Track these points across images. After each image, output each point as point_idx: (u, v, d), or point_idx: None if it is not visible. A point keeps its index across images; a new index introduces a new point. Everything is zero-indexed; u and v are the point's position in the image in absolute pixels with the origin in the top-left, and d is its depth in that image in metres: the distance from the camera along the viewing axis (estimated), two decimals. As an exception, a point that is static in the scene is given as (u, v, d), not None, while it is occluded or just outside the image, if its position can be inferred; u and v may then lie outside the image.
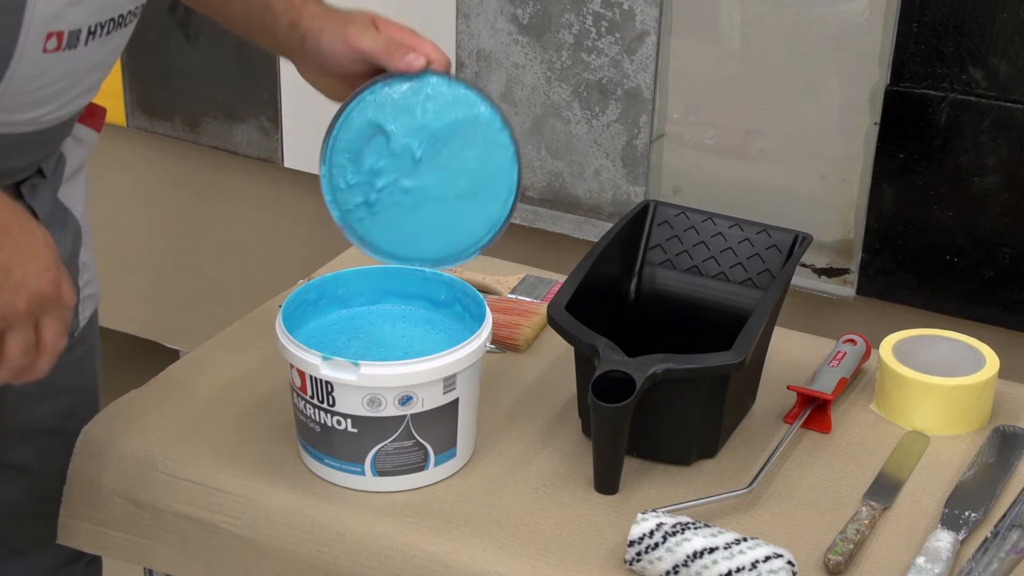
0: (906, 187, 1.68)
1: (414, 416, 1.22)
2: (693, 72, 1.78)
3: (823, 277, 1.78)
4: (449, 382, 1.22)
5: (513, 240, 1.95)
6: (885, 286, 1.74)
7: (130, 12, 1.22)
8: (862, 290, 1.75)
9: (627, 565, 1.16)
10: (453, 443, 1.26)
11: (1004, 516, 1.23)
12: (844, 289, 1.77)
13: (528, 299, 1.57)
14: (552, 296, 1.38)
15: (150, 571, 1.38)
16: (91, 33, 1.17)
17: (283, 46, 1.30)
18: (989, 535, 1.20)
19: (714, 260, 1.42)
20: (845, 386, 1.41)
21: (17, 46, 1.12)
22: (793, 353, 1.48)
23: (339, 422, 1.22)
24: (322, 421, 1.23)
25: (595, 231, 1.86)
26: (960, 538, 1.20)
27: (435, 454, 1.25)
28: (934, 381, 1.35)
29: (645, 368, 1.21)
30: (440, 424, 1.24)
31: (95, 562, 1.51)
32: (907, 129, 1.65)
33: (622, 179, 1.84)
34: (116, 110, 2.22)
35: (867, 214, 1.71)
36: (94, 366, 1.48)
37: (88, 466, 1.32)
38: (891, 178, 1.68)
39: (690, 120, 1.81)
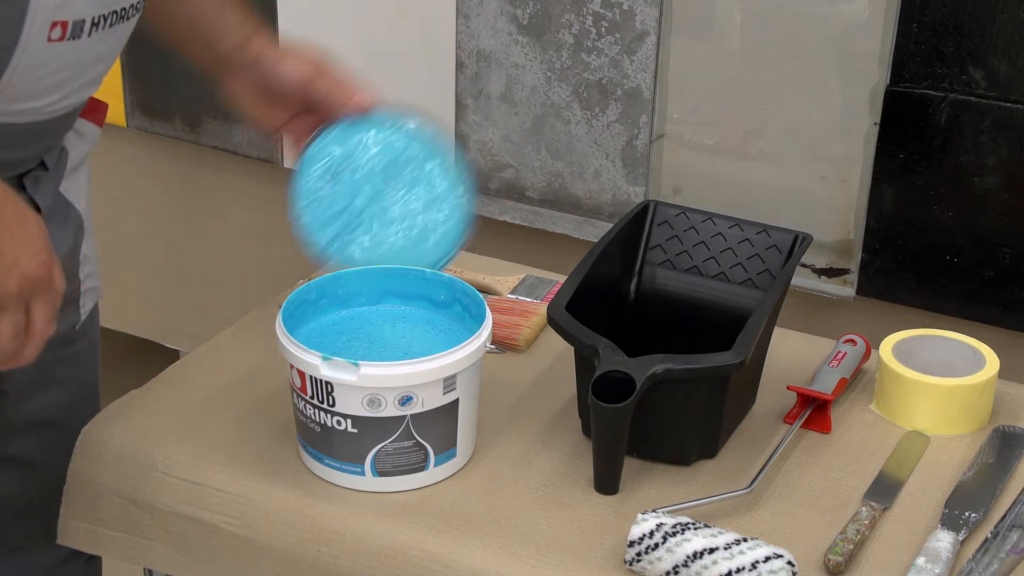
0: (906, 187, 1.68)
1: (414, 416, 1.22)
2: (693, 72, 1.78)
3: (823, 277, 1.78)
4: (449, 382, 1.22)
5: (513, 240, 1.96)
6: (885, 286, 1.74)
7: (132, 6, 1.23)
8: (862, 290, 1.75)
9: (627, 565, 1.16)
10: (453, 443, 1.26)
11: (1004, 516, 1.23)
12: (844, 289, 1.77)
13: (528, 299, 1.57)
14: (552, 296, 1.38)
15: (150, 571, 1.38)
16: (95, 24, 1.18)
17: (220, 64, 1.35)
18: (989, 535, 1.20)
19: (714, 260, 1.42)
20: (845, 386, 1.41)
21: (22, 33, 1.12)
22: (793, 353, 1.48)
23: (339, 422, 1.22)
24: (322, 421, 1.23)
25: (595, 231, 1.86)
26: (960, 538, 1.20)
27: (435, 454, 1.25)
28: (934, 381, 1.35)
29: (645, 368, 1.21)
30: (440, 424, 1.24)
31: (95, 559, 1.51)
32: (907, 129, 1.65)
33: (622, 179, 1.84)
34: (116, 110, 2.22)
35: (867, 214, 1.71)
36: (95, 360, 1.48)
37: (88, 466, 1.32)
38: (891, 178, 1.68)
39: (690, 120, 1.81)
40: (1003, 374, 1.40)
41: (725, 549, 1.13)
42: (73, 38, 1.17)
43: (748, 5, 1.71)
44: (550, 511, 1.24)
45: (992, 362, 1.38)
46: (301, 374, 1.22)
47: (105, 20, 1.19)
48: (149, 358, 2.31)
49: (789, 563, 1.12)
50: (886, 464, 1.31)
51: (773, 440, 1.34)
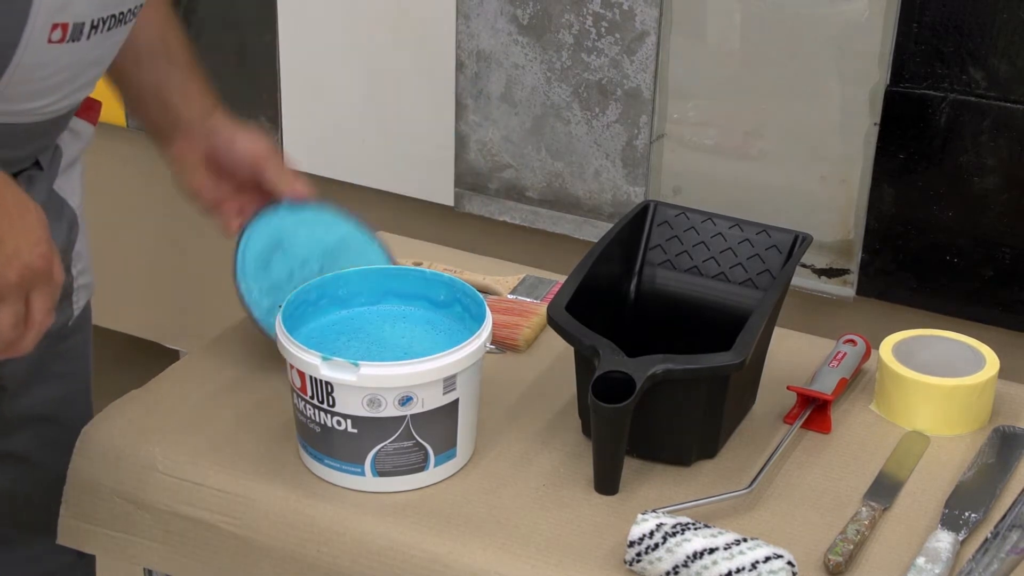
0: (906, 187, 1.68)
1: (414, 416, 1.22)
2: (693, 72, 1.78)
3: (823, 277, 1.78)
4: (449, 382, 1.22)
5: (513, 240, 1.96)
6: (885, 286, 1.74)
7: (131, 10, 1.24)
8: (862, 290, 1.75)
9: (627, 566, 1.16)
10: (453, 443, 1.26)
11: (1004, 516, 1.23)
12: (844, 289, 1.77)
13: (528, 299, 1.57)
14: (552, 296, 1.38)
15: (150, 571, 1.38)
16: (94, 27, 1.20)
17: (174, 128, 1.42)
18: (989, 535, 1.20)
19: (714, 260, 1.42)
20: (845, 386, 1.41)
21: (24, 34, 1.14)
22: (793, 353, 1.48)
23: (339, 422, 1.22)
24: (322, 421, 1.23)
25: (595, 231, 1.86)
26: (960, 538, 1.20)
27: (435, 454, 1.25)
28: (934, 381, 1.35)
29: (645, 368, 1.21)
30: (440, 424, 1.24)
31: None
32: (907, 129, 1.65)
33: (622, 179, 1.84)
34: (116, 110, 2.22)
35: (867, 214, 1.71)
36: (88, 356, 1.50)
37: (88, 466, 1.32)
38: (891, 178, 1.68)
39: (690, 120, 1.81)
40: (1003, 374, 1.40)
41: (725, 549, 1.13)
42: (73, 40, 1.18)
43: (748, 5, 1.71)
44: (550, 511, 1.24)
45: (992, 362, 1.38)
46: (301, 374, 1.22)
47: (104, 23, 1.21)
48: (149, 358, 2.31)
49: (789, 563, 1.12)
50: (886, 464, 1.31)
51: (773, 440, 1.34)
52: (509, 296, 1.58)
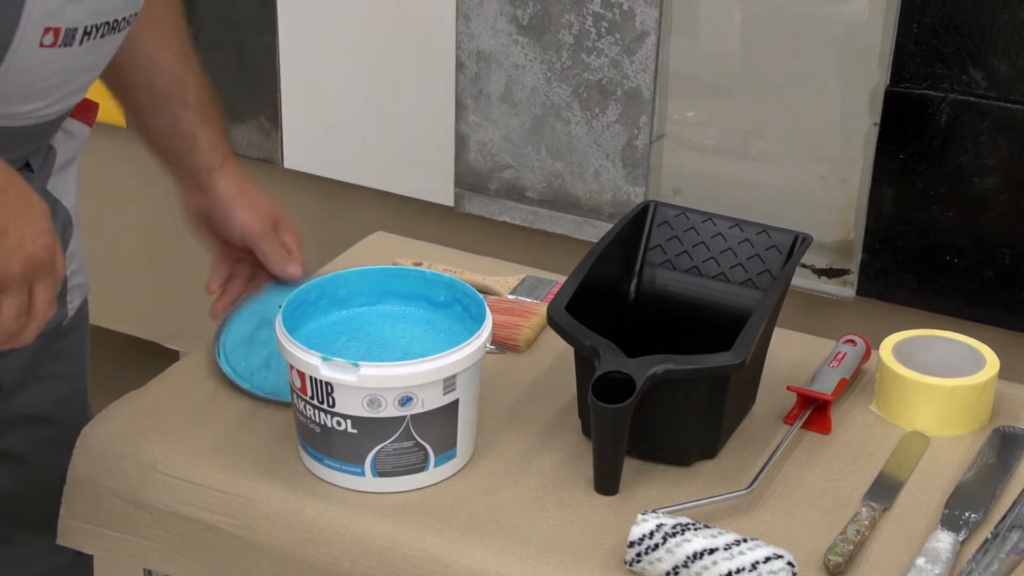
0: (906, 187, 1.68)
1: (414, 417, 1.22)
2: (693, 72, 1.78)
3: (823, 277, 1.78)
4: (449, 383, 1.22)
5: (513, 241, 1.96)
6: (885, 286, 1.74)
7: (124, 19, 1.25)
8: (862, 291, 1.75)
9: (627, 566, 1.16)
10: (453, 444, 1.26)
11: (1004, 517, 1.23)
12: (844, 290, 1.77)
13: (528, 299, 1.57)
14: (552, 296, 1.38)
15: (150, 571, 1.38)
16: (87, 33, 1.19)
17: (186, 177, 1.44)
18: (989, 536, 1.20)
19: (714, 261, 1.42)
20: (845, 387, 1.41)
21: (15, 36, 1.14)
22: (793, 353, 1.48)
23: (339, 423, 1.22)
24: (322, 422, 1.23)
25: (595, 231, 1.86)
26: (960, 539, 1.20)
27: (435, 455, 1.25)
28: (934, 382, 1.35)
29: (645, 369, 1.21)
30: (440, 425, 1.24)
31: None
32: (907, 129, 1.65)
33: (622, 180, 1.84)
34: (116, 111, 2.22)
35: (867, 214, 1.71)
36: (84, 356, 1.50)
37: (88, 466, 1.32)
38: (891, 178, 1.68)
39: (690, 120, 1.81)
40: (1003, 374, 1.40)
41: (725, 550, 1.13)
42: (65, 45, 1.18)
43: (748, 5, 1.71)
44: (550, 511, 1.24)
45: (992, 362, 1.38)
46: (301, 374, 1.22)
47: (97, 30, 1.21)
48: (149, 358, 2.31)
49: (789, 564, 1.12)
50: (886, 464, 1.31)
51: (773, 440, 1.34)
52: (509, 296, 1.58)
